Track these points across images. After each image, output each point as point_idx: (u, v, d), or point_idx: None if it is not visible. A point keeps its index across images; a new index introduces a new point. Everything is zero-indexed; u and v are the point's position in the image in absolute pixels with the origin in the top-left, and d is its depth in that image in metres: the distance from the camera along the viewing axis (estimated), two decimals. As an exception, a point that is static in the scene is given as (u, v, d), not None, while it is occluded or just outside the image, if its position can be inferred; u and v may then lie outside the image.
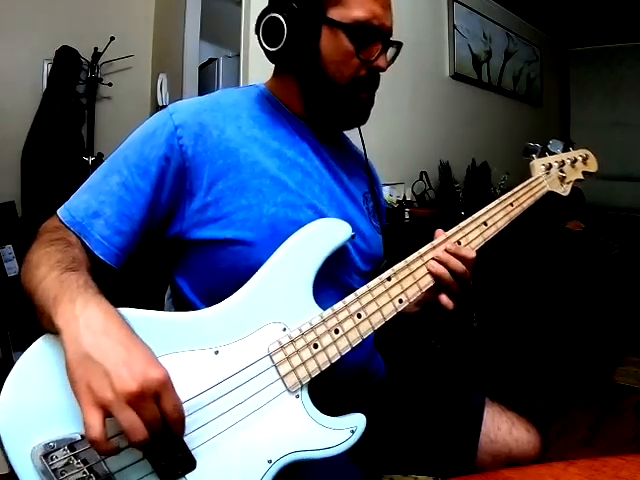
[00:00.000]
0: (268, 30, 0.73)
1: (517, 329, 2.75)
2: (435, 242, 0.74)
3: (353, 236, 0.69)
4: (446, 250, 0.72)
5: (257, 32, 0.76)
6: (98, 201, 0.67)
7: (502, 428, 0.81)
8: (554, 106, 4.59)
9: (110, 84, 2.46)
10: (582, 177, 0.96)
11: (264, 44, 0.75)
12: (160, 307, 0.87)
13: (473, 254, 0.74)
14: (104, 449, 0.48)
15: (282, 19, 0.71)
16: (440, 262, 0.72)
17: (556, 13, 3.82)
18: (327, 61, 0.73)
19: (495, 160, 3.27)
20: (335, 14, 0.71)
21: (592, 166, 0.97)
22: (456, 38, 3.16)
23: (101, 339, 0.50)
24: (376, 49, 0.74)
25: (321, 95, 0.76)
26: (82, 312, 0.52)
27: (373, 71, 0.75)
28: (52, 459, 0.51)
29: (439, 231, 0.76)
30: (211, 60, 2.91)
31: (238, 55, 2.22)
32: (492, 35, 3.54)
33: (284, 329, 0.62)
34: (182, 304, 0.76)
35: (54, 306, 0.52)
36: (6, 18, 2.22)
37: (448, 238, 0.75)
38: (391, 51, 0.78)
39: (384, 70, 0.76)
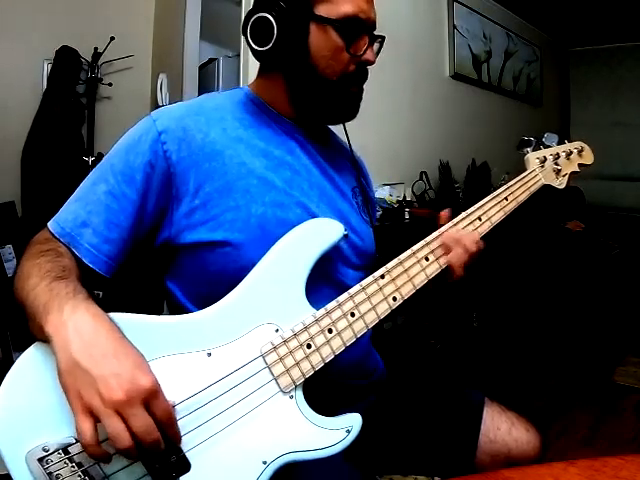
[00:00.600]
0: (257, 30, 0.73)
1: (517, 329, 2.75)
2: (428, 239, 0.75)
3: (346, 235, 0.69)
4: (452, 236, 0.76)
5: (244, 33, 0.76)
6: (86, 211, 0.67)
7: (501, 428, 0.81)
8: (554, 106, 4.59)
9: (110, 84, 2.46)
10: (577, 169, 0.95)
11: (253, 44, 0.75)
12: (159, 311, 0.87)
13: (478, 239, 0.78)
14: (96, 453, 0.49)
15: (271, 18, 0.71)
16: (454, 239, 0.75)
17: (556, 13, 3.82)
18: (317, 57, 0.73)
19: (495, 160, 3.26)
20: (322, 10, 0.72)
21: (588, 158, 0.96)
22: (456, 38, 3.16)
23: (89, 346, 0.51)
24: (363, 43, 0.75)
25: (311, 92, 0.76)
26: (70, 317, 0.52)
27: (362, 65, 0.76)
28: (47, 462, 0.51)
29: (444, 212, 0.79)
30: (211, 60, 2.92)
31: (238, 55, 2.22)
32: (492, 35, 3.54)
33: (277, 330, 0.62)
34: (175, 308, 0.76)
35: (44, 314, 0.53)
36: (6, 18, 2.22)
37: (442, 234, 0.76)
38: (376, 45, 0.78)
39: (373, 63, 0.77)
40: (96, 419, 0.49)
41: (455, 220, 0.78)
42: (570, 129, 4.79)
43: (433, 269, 0.74)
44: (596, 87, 4.59)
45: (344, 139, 0.90)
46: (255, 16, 0.73)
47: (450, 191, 2.88)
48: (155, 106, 2.65)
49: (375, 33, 0.77)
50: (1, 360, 1.88)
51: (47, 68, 2.31)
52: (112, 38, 2.39)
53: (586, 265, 3.09)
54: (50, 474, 0.51)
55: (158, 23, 2.77)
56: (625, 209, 4.06)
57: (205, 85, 2.78)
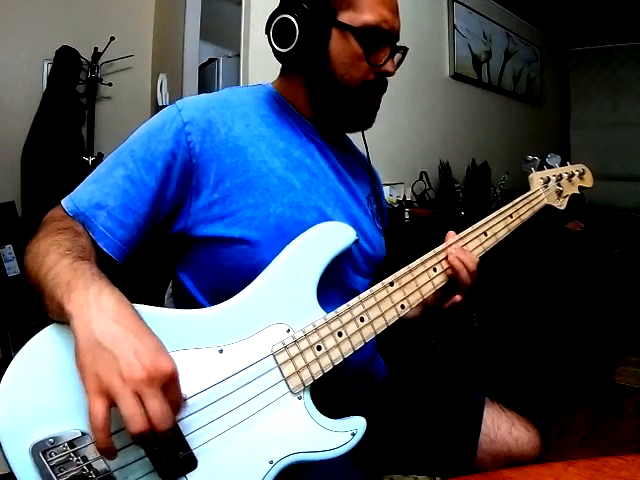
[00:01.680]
0: (279, 31, 0.73)
1: (517, 329, 2.75)
2: (437, 249, 0.75)
3: (357, 241, 0.70)
4: (457, 257, 0.75)
5: (267, 33, 0.75)
6: (102, 193, 0.67)
7: (502, 428, 0.82)
8: (554, 106, 4.59)
9: (110, 84, 2.46)
10: (578, 192, 0.98)
11: (275, 45, 0.75)
12: (160, 301, 0.87)
13: (477, 259, 0.78)
14: (103, 443, 0.47)
15: (294, 20, 0.71)
16: (460, 261, 0.75)
17: (556, 13, 3.82)
18: (336, 63, 0.73)
19: (495, 160, 3.27)
20: (346, 17, 0.72)
21: (588, 181, 1.00)
22: (456, 38, 3.16)
23: (113, 326, 0.50)
24: (384, 54, 0.74)
25: (329, 96, 0.76)
26: (96, 299, 0.51)
27: (381, 75, 0.76)
28: (51, 455, 0.50)
29: (451, 233, 0.79)
30: (211, 60, 2.91)
31: (238, 55, 2.22)
32: (492, 35, 3.54)
33: (288, 330, 0.62)
34: (184, 300, 0.76)
35: (67, 292, 0.52)
36: (6, 18, 2.22)
37: (449, 246, 0.76)
38: (397, 56, 0.78)
39: (392, 75, 0.76)
40: (111, 402, 0.47)
41: (462, 234, 0.79)
42: (570, 129, 4.79)
43: (440, 279, 0.75)
44: (596, 87, 4.59)
45: (359, 146, 0.90)
46: (278, 17, 0.73)
47: (450, 191, 2.88)
48: (155, 106, 2.65)
49: (398, 45, 0.76)
50: (1, 360, 1.88)
51: (47, 68, 2.32)
52: (112, 38, 2.39)
53: (586, 265, 3.09)
54: (53, 467, 0.50)
55: (158, 23, 2.77)
56: (625, 209, 4.06)
57: (205, 85, 2.78)
